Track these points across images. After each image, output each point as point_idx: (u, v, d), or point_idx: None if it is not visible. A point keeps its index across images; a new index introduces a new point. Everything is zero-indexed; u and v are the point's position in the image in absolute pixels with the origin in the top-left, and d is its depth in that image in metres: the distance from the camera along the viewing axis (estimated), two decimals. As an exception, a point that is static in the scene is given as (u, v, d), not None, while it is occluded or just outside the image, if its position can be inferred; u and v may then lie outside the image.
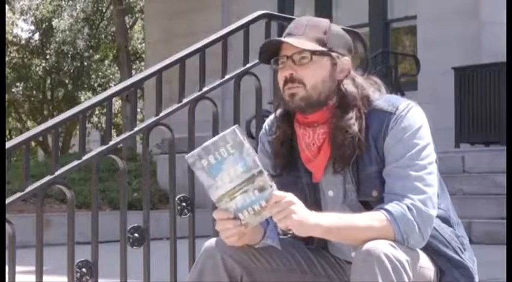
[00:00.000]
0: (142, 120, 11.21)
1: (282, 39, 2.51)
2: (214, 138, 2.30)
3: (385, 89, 2.60)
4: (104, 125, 24.98)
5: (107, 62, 26.45)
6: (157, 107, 3.58)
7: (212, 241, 2.54)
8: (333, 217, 2.38)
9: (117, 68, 24.62)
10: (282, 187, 2.58)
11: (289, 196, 2.32)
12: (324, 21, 2.57)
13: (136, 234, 3.45)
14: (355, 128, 2.46)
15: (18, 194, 3.23)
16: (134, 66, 25.25)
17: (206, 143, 2.30)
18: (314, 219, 2.34)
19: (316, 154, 2.52)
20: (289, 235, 2.65)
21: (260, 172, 2.29)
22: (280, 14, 4.29)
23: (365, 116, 2.49)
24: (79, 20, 26.07)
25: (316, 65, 2.49)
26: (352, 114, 2.47)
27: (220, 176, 2.30)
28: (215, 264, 2.51)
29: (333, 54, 2.51)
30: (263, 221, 2.40)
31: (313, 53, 2.48)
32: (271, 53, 2.55)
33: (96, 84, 25.76)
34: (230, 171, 2.28)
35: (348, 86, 2.51)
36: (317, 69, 2.50)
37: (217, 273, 2.51)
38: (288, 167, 2.57)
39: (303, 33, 2.50)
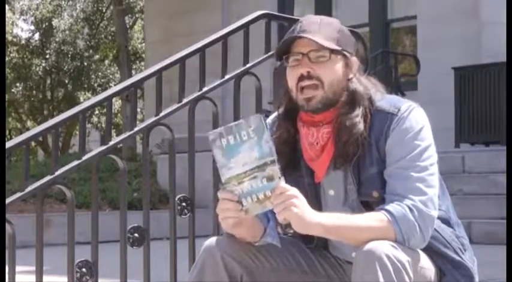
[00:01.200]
0: (142, 120, 11.21)
1: (303, 34, 2.48)
2: (238, 121, 2.36)
3: (385, 90, 2.60)
4: (104, 125, 24.98)
5: (107, 62, 26.44)
6: (157, 107, 3.57)
7: (212, 240, 2.54)
8: (334, 217, 2.38)
9: (117, 68, 24.61)
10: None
11: (294, 190, 2.34)
12: (336, 21, 2.58)
13: (136, 234, 3.45)
14: (361, 126, 2.46)
15: (18, 194, 3.23)
16: (134, 66, 25.24)
17: (230, 124, 2.36)
18: (315, 218, 2.34)
19: (320, 153, 2.52)
20: (289, 234, 2.65)
21: (273, 161, 2.33)
22: (280, 14, 4.29)
23: (370, 116, 2.49)
24: (79, 20, 26.06)
25: (333, 64, 2.50)
26: (359, 112, 2.48)
27: (234, 159, 2.34)
28: (215, 264, 2.51)
29: (346, 53, 2.52)
30: (263, 212, 2.41)
31: (332, 51, 2.48)
32: (282, 50, 2.54)
33: (96, 84, 25.75)
34: (245, 154, 2.33)
35: (356, 85, 2.52)
36: (333, 68, 2.50)
37: (217, 272, 2.51)
38: (290, 166, 2.57)
39: (319, 31, 2.49)
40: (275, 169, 2.33)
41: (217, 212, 2.42)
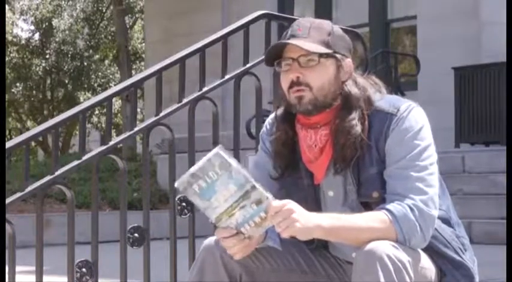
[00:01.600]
0: (142, 120, 11.21)
1: (289, 40, 2.49)
2: (200, 164, 2.29)
3: (385, 90, 2.60)
4: (104, 125, 24.98)
5: (107, 62, 26.44)
6: (157, 107, 3.58)
7: (211, 240, 2.54)
8: (334, 218, 2.38)
9: (117, 68, 24.61)
10: (282, 187, 2.58)
11: (288, 204, 2.31)
12: (327, 23, 2.56)
13: (136, 234, 3.45)
14: (358, 129, 2.46)
15: (18, 194, 3.23)
16: (134, 66, 25.24)
17: (192, 170, 2.29)
18: (315, 221, 2.33)
19: (318, 155, 2.52)
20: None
21: (253, 187, 2.28)
22: (280, 14, 4.29)
23: (367, 117, 2.49)
24: (79, 20, 26.06)
25: (323, 68, 2.49)
26: (355, 115, 2.47)
27: (215, 198, 2.30)
28: (215, 263, 2.51)
29: (338, 56, 2.51)
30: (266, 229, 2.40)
31: (321, 55, 2.48)
32: (274, 54, 2.54)
33: (96, 84, 25.74)
34: (223, 191, 2.28)
35: (351, 87, 2.51)
36: (323, 72, 2.49)
37: (217, 271, 2.51)
38: (289, 168, 2.57)
39: (307, 35, 2.49)
40: (259, 192, 2.28)
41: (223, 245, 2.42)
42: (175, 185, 2.32)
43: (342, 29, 2.66)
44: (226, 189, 2.28)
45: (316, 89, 2.48)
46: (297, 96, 2.48)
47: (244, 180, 2.27)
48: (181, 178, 2.31)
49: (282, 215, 2.29)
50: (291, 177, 2.57)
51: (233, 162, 2.28)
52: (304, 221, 2.30)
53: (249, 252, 2.46)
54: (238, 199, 2.28)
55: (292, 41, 2.47)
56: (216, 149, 2.29)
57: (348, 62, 2.54)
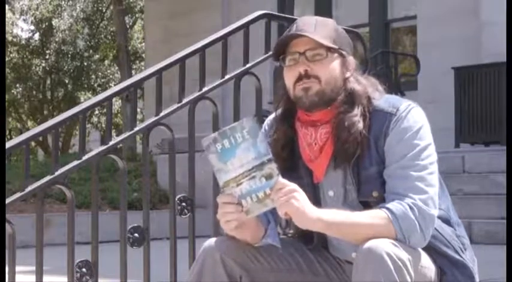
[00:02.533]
0: (142, 120, 11.21)
1: (305, 33, 2.49)
2: (232, 125, 2.36)
3: (384, 90, 2.60)
4: (104, 125, 24.98)
5: (106, 62, 26.44)
6: (157, 107, 3.58)
7: (211, 241, 2.55)
8: (334, 213, 2.39)
9: (117, 68, 24.61)
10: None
11: (294, 185, 2.34)
12: (331, 21, 2.59)
13: (136, 234, 3.45)
14: (360, 125, 2.47)
15: (18, 194, 3.23)
16: (134, 66, 25.23)
17: (224, 128, 2.36)
18: (315, 213, 2.35)
19: (318, 154, 2.53)
20: (289, 235, 2.65)
21: (270, 160, 2.34)
22: (280, 14, 4.29)
23: (368, 115, 2.49)
24: (79, 20, 26.06)
25: (329, 62, 2.51)
26: (357, 112, 2.48)
27: (231, 161, 2.35)
28: (214, 264, 2.51)
29: (343, 52, 2.53)
30: (264, 211, 2.40)
31: (328, 49, 2.49)
32: (278, 51, 2.54)
33: (96, 84, 25.74)
34: (242, 156, 2.34)
35: (354, 84, 2.53)
36: (330, 66, 2.51)
37: (217, 273, 2.51)
38: (288, 167, 2.57)
39: (314, 30, 2.50)
40: (273, 167, 2.34)
41: (218, 217, 2.42)
42: (202, 141, 2.36)
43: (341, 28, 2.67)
44: (246, 155, 2.34)
45: (325, 82, 2.49)
46: (304, 88, 2.49)
47: (265, 151, 2.34)
48: (208, 136, 2.37)
49: (285, 191, 2.32)
50: (291, 176, 2.57)
51: (262, 131, 2.36)
52: (303, 204, 2.33)
53: (238, 234, 2.46)
54: (252, 168, 2.34)
55: (307, 34, 2.48)
56: (250, 116, 2.37)
57: (351, 60, 2.57)
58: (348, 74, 2.54)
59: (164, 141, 10.59)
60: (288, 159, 2.57)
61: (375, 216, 2.38)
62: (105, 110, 14.70)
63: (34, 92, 25.74)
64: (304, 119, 2.55)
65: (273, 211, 2.41)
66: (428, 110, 2.60)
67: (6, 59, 24.17)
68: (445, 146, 8.52)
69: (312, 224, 2.36)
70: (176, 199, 3.51)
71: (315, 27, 2.51)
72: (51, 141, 3.64)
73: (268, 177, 2.34)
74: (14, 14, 26.99)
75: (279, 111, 2.61)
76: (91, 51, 25.90)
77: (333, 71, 2.51)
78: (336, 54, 2.53)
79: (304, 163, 2.56)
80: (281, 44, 2.53)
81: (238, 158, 2.34)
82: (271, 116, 2.69)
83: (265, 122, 2.73)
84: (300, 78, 2.50)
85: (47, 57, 25.26)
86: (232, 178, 2.36)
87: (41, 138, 22.42)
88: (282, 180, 2.34)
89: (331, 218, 2.37)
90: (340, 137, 2.48)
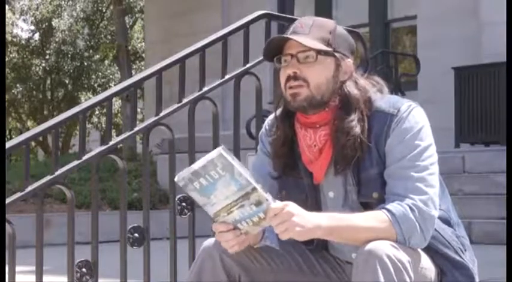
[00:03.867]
0: (142, 120, 11.21)
1: (289, 36, 2.48)
2: (202, 163, 2.26)
3: (387, 89, 2.59)
4: (104, 125, 24.97)
5: (106, 62, 26.44)
6: (157, 107, 3.58)
7: (211, 241, 2.54)
8: (334, 218, 2.37)
9: (117, 68, 24.60)
10: (282, 187, 2.58)
11: (288, 206, 2.30)
12: (330, 22, 2.56)
13: (136, 234, 3.45)
14: (358, 130, 2.45)
15: (18, 194, 3.23)
16: (134, 66, 25.23)
17: (195, 167, 2.26)
18: (314, 222, 2.33)
19: (318, 156, 2.52)
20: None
21: (254, 189, 2.26)
22: (280, 14, 4.30)
23: (367, 118, 2.48)
24: (79, 20, 26.06)
25: (321, 65, 2.49)
26: (355, 116, 2.47)
27: (214, 195, 2.28)
28: (214, 264, 2.51)
29: (337, 55, 2.51)
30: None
31: (319, 52, 2.48)
32: (274, 51, 2.54)
33: (96, 84, 25.74)
34: (223, 190, 2.27)
35: (351, 88, 2.50)
36: (321, 69, 2.49)
37: (216, 273, 2.51)
38: (288, 168, 2.57)
39: (308, 32, 2.49)
40: (259, 194, 2.27)
41: (217, 239, 2.42)
42: (175, 179, 2.30)
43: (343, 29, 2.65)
44: (227, 188, 2.26)
45: (313, 86, 2.47)
46: (292, 94, 2.48)
47: (246, 182, 2.25)
48: (182, 173, 2.28)
49: (281, 217, 2.28)
50: (291, 177, 2.57)
51: (236, 163, 2.25)
52: (304, 223, 2.29)
53: (243, 247, 2.45)
54: (238, 199, 2.27)
55: (292, 36, 2.47)
56: (219, 149, 2.26)
57: (348, 63, 2.54)
58: (344, 78, 2.52)
59: (164, 141, 10.59)
60: (289, 159, 2.57)
61: (375, 218, 2.38)
62: (105, 110, 14.66)
63: (34, 92, 25.73)
64: (303, 121, 2.54)
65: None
66: (428, 110, 2.59)
67: (6, 59, 24.16)
68: (445, 146, 8.52)
69: (313, 233, 2.35)
70: (176, 199, 3.51)
71: (310, 29, 2.50)
72: (51, 141, 3.64)
73: (258, 203, 2.28)
74: (14, 14, 26.98)
75: (279, 111, 2.61)
76: (91, 51, 25.90)
77: (324, 74, 2.49)
78: (329, 57, 2.50)
79: (304, 164, 2.56)
80: (272, 46, 2.53)
81: (220, 192, 2.27)
82: (272, 116, 2.68)
83: (266, 122, 2.73)
84: (288, 79, 2.49)
85: (47, 57, 25.25)
86: (221, 209, 2.30)
87: (41, 138, 22.42)
88: (274, 206, 2.29)
89: (331, 224, 2.35)
90: (338, 141, 2.47)
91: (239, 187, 2.26)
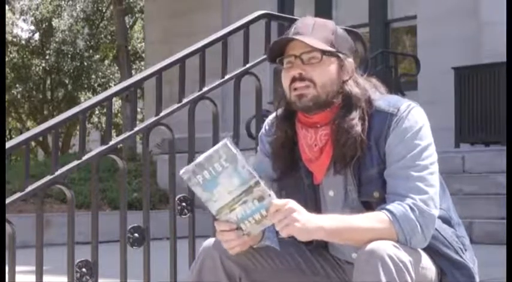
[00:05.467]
0: (142, 120, 11.21)
1: (294, 36, 2.48)
2: (207, 153, 2.27)
3: (385, 90, 2.60)
4: (104, 125, 24.97)
5: (107, 62, 26.44)
6: (157, 107, 3.58)
7: (210, 241, 2.54)
8: (335, 219, 2.37)
9: (117, 68, 24.61)
10: (282, 188, 2.58)
11: (289, 203, 2.31)
12: (331, 23, 2.57)
13: (136, 234, 3.45)
14: (358, 128, 2.46)
15: (18, 194, 3.23)
16: (134, 66, 25.24)
17: (199, 159, 2.27)
18: (316, 223, 2.33)
19: (318, 155, 2.52)
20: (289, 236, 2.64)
21: (257, 183, 2.27)
22: (280, 14, 4.30)
23: (367, 117, 2.48)
24: (79, 20, 26.06)
25: (325, 65, 2.49)
26: (356, 115, 2.47)
27: (217, 190, 2.28)
28: (214, 265, 2.51)
29: (340, 55, 2.52)
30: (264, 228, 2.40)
31: (324, 53, 2.48)
32: (277, 52, 2.54)
33: (96, 84, 25.74)
34: (226, 184, 2.27)
35: (352, 87, 2.51)
36: (326, 70, 2.49)
37: (216, 273, 2.51)
38: (288, 168, 2.57)
39: (311, 33, 2.49)
40: (262, 189, 2.28)
41: (220, 239, 2.42)
42: (180, 173, 2.30)
43: (342, 29, 2.66)
44: (230, 182, 2.27)
45: (320, 86, 2.48)
46: (298, 95, 2.48)
47: (249, 175, 2.26)
48: (186, 167, 2.30)
49: (283, 213, 2.28)
50: (291, 177, 2.56)
51: (240, 156, 2.27)
52: (305, 222, 2.30)
53: (245, 248, 2.45)
54: (241, 194, 2.28)
55: (299, 37, 2.47)
56: (225, 141, 2.28)
57: (350, 62, 2.55)
58: (346, 77, 2.53)
59: (164, 141, 10.59)
60: (288, 159, 2.57)
61: (375, 218, 2.38)
62: (105, 110, 14.70)
63: (34, 92, 25.73)
64: (304, 121, 2.54)
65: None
66: (428, 110, 2.60)
67: (6, 59, 24.16)
68: (445, 146, 8.52)
69: (314, 234, 2.35)
70: (176, 199, 3.51)
71: (312, 30, 2.50)
72: (51, 141, 3.64)
73: (260, 199, 2.28)
74: (14, 14, 26.98)
75: (280, 111, 2.61)
76: (91, 51, 25.90)
77: (328, 74, 2.50)
78: (333, 57, 2.51)
79: (304, 164, 2.56)
80: (276, 47, 2.53)
81: (223, 187, 2.27)
82: (272, 116, 2.68)
83: (266, 122, 2.73)
84: (293, 81, 2.49)
85: (47, 57, 25.26)
86: (223, 205, 2.31)
87: (41, 138, 22.41)
88: (276, 202, 2.30)
89: (332, 226, 2.35)
90: (339, 140, 2.47)
91: (242, 181, 2.26)
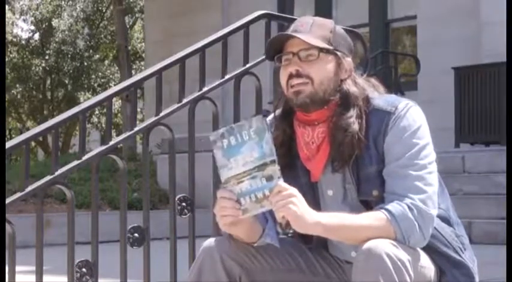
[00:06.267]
0: (142, 120, 11.20)
1: (292, 33, 2.50)
2: (241, 121, 2.39)
3: (384, 90, 2.60)
4: (104, 125, 24.98)
5: (106, 62, 26.45)
6: (157, 107, 3.58)
7: (211, 241, 2.55)
8: (333, 216, 2.38)
9: (117, 68, 24.61)
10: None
11: (293, 189, 2.34)
12: (330, 21, 2.58)
13: (136, 234, 3.45)
14: (355, 127, 2.46)
15: (18, 194, 3.23)
16: (134, 66, 25.24)
17: (232, 125, 2.39)
18: (314, 217, 2.34)
19: (315, 153, 2.53)
20: (289, 235, 2.65)
21: (273, 161, 2.35)
22: (280, 14, 4.30)
23: (365, 116, 2.49)
24: (79, 20, 26.07)
25: (323, 63, 2.50)
26: (353, 113, 2.48)
27: (235, 158, 2.37)
28: (214, 264, 2.51)
29: (338, 53, 2.52)
30: (261, 212, 2.41)
31: (321, 50, 2.49)
32: (275, 50, 2.55)
33: (96, 84, 25.75)
34: (246, 155, 2.36)
35: (350, 86, 2.52)
36: (323, 67, 2.50)
37: (216, 273, 2.51)
38: (287, 167, 2.57)
39: (309, 31, 2.50)
40: (275, 169, 2.34)
41: (215, 211, 2.42)
42: (210, 135, 2.39)
43: (342, 29, 2.66)
44: (250, 154, 2.36)
45: (317, 83, 2.49)
46: (295, 91, 2.49)
47: (269, 151, 2.35)
48: (218, 130, 2.40)
49: (283, 195, 2.32)
50: (289, 176, 2.57)
51: (268, 133, 2.36)
52: (303, 211, 2.32)
53: (234, 232, 2.47)
54: (254, 168, 2.35)
55: (295, 34, 2.49)
56: (260, 116, 2.39)
57: (348, 61, 2.56)
58: (344, 76, 2.54)
59: (164, 141, 10.59)
60: (286, 158, 2.57)
61: (374, 218, 2.38)
62: (105, 110, 14.70)
63: (34, 92, 25.75)
64: (302, 119, 2.55)
65: (272, 211, 2.41)
66: (428, 110, 2.60)
67: (6, 59, 24.17)
68: (445, 145, 8.53)
69: (311, 229, 2.36)
70: (176, 199, 3.51)
71: (310, 28, 2.51)
72: (51, 141, 3.64)
73: (269, 178, 2.34)
74: (14, 14, 27.00)
75: (279, 110, 2.62)
76: (91, 51, 25.91)
77: (326, 71, 2.51)
78: (330, 55, 2.52)
79: (301, 163, 2.56)
80: (273, 44, 2.54)
81: (242, 156, 2.36)
82: (271, 116, 2.69)
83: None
84: (290, 77, 2.50)
85: (47, 57, 25.26)
86: (233, 175, 2.37)
87: (41, 138, 22.42)
88: (282, 184, 2.34)
89: (330, 222, 2.36)
90: (336, 138, 2.48)
91: (261, 155, 2.35)
